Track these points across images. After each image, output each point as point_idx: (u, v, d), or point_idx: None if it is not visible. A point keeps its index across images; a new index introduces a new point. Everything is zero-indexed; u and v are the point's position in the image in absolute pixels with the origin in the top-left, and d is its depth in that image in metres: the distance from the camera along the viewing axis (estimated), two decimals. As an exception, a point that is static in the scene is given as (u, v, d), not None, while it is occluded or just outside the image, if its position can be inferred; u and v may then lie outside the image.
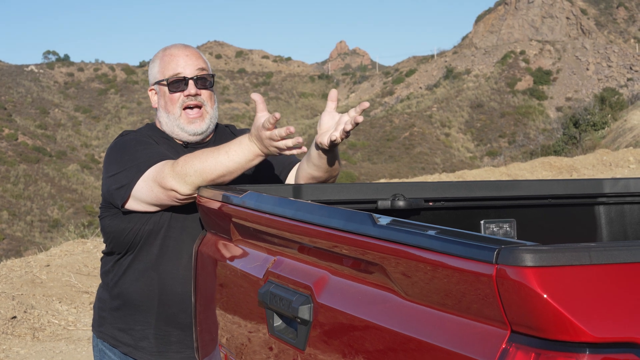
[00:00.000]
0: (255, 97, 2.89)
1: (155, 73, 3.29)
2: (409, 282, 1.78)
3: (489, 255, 1.50)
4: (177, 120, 3.22)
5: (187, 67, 3.23)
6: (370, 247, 1.88)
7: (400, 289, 1.81)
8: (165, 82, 3.23)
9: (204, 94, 3.25)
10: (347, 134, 2.87)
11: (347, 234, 1.98)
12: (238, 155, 2.89)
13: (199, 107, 3.23)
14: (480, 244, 1.55)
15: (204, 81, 3.24)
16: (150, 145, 3.15)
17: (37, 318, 8.82)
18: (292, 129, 2.81)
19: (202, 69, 3.25)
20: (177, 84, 3.22)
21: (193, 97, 3.22)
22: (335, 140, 2.87)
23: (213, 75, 3.30)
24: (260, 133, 2.82)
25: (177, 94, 3.22)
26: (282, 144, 2.80)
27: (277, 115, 2.80)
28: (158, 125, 3.32)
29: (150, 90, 3.34)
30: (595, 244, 1.50)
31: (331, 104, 2.98)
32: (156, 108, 3.32)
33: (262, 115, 2.83)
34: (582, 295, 1.44)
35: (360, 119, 2.86)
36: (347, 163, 77.80)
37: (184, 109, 3.22)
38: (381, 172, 72.10)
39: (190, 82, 3.22)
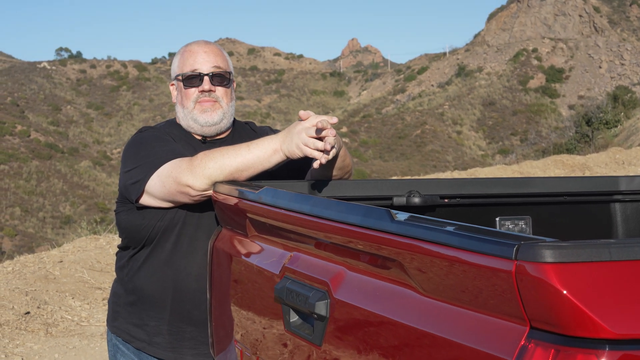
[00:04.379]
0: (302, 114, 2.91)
1: (175, 68, 3.33)
2: (427, 278, 1.78)
3: (508, 251, 1.50)
4: (191, 112, 3.25)
5: (204, 63, 3.25)
6: (388, 243, 1.88)
7: (418, 284, 1.81)
8: (181, 77, 3.26)
9: (219, 90, 3.26)
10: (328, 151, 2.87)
11: (364, 229, 1.97)
12: (258, 149, 2.92)
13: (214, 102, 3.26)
14: (500, 240, 1.54)
15: (220, 78, 3.26)
16: (167, 142, 3.16)
17: (51, 314, 8.85)
18: (334, 119, 2.83)
19: (219, 67, 3.26)
20: (192, 79, 3.24)
21: (207, 93, 3.24)
22: (322, 164, 2.88)
23: (230, 73, 3.31)
24: (296, 126, 2.86)
25: (192, 90, 3.25)
26: (311, 142, 2.81)
27: (334, 119, 2.84)
28: (177, 120, 3.34)
29: (171, 85, 3.37)
30: (615, 241, 1.50)
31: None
32: (175, 103, 3.35)
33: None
34: (602, 291, 1.43)
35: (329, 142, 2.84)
36: (359, 161, 77.78)
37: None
38: (393, 170, 72.07)
39: (206, 78, 3.24)
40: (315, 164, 2.87)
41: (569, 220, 3.43)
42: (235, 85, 3.40)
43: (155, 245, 3.18)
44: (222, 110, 3.27)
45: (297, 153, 2.88)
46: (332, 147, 2.84)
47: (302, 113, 2.89)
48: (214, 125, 3.25)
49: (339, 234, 2.12)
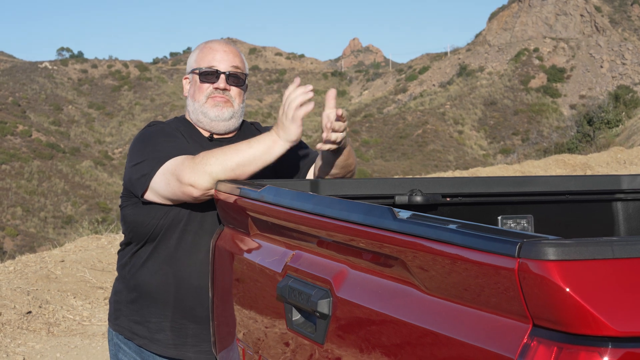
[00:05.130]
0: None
1: (192, 62, 3.36)
2: (430, 276, 1.78)
3: (511, 248, 1.50)
4: (202, 106, 3.27)
5: (223, 62, 3.28)
6: (391, 241, 1.88)
7: (421, 282, 1.81)
8: (198, 71, 3.28)
9: (233, 90, 3.30)
10: (339, 138, 2.94)
11: (367, 227, 1.97)
12: (259, 143, 2.96)
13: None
14: (502, 238, 1.54)
15: (235, 78, 3.29)
16: (175, 138, 3.18)
17: (52, 313, 8.85)
18: (309, 87, 2.91)
19: (237, 67, 3.29)
20: (209, 75, 3.27)
21: (221, 91, 3.26)
22: (330, 149, 2.94)
23: (246, 75, 3.34)
24: (281, 114, 2.94)
25: (207, 85, 3.28)
26: (297, 112, 2.88)
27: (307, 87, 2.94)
28: (187, 115, 3.36)
29: (185, 78, 3.40)
30: (618, 238, 1.50)
31: (331, 103, 3.00)
32: (186, 96, 3.36)
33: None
34: (605, 289, 1.43)
35: (336, 125, 2.93)
36: (360, 160, 77.77)
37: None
38: (394, 170, 72.11)
39: (222, 76, 3.27)
40: (323, 145, 2.94)
41: (571, 219, 3.43)
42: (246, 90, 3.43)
43: (159, 242, 3.19)
44: (233, 110, 3.29)
45: (294, 131, 2.92)
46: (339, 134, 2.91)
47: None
48: (223, 121, 3.27)
49: (342, 232, 2.12)
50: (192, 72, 3.33)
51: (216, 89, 3.26)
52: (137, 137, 3.23)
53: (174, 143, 3.13)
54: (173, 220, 3.15)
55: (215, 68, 3.27)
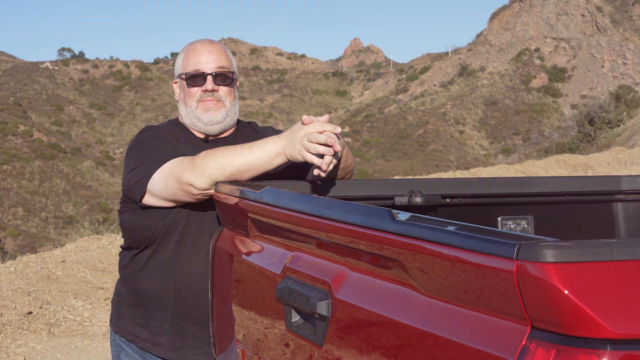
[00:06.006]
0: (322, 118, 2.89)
1: (178, 66, 3.34)
2: (428, 278, 1.78)
3: (509, 251, 1.50)
4: (194, 111, 3.25)
5: (208, 63, 3.25)
6: (390, 243, 1.88)
7: (420, 284, 1.81)
8: (184, 76, 3.26)
9: (222, 90, 3.26)
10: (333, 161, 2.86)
11: (366, 229, 1.97)
12: (260, 150, 2.90)
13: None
14: (501, 240, 1.54)
15: (223, 78, 3.26)
16: (170, 141, 3.16)
17: (53, 314, 8.85)
18: (338, 129, 2.82)
19: (223, 66, 3.26)
20: (195, 79, 3.24)
21: (210, 93, 3.24)
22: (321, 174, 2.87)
23: (234, 73, 3.31)
24: (300, 131, 2.83)
25: (195, 89, 3.25)
26: (313, 147, 2.78)
27: (338, 129, 2.82)
28: (180, 119, 3.35)
29: (175, 82, 3.38)
30: (617, 240, 1.50)
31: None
32: (177, 101, 3.35)
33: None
34: (604, 291, 1.43)
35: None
36: (361, 160, 77.79)
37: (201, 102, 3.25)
38: (395, 170, 72.11)
39: (209, 77, 3.24)
40: (315, 172, 2.86)
41: (571, 220, 3.43)
42: (238, 84, 3.40)
43: (158, 246, 3.18)
44: (226, 109, 3.27)
45: (298, 158, 2.86)
46: (331, 163, 2.83)
47: (305, 118, 2.87)
48: (217, 123, 3.26)
49: (341, 233, 2.11)
50: (180, 77, 3.31)
51: (205, 91, 3.24)
52: (132, 142, 3.22)
53: (169, 146, 3.12)
54: (172, 223, 3.14)
55: (202, 70, 3.24)
